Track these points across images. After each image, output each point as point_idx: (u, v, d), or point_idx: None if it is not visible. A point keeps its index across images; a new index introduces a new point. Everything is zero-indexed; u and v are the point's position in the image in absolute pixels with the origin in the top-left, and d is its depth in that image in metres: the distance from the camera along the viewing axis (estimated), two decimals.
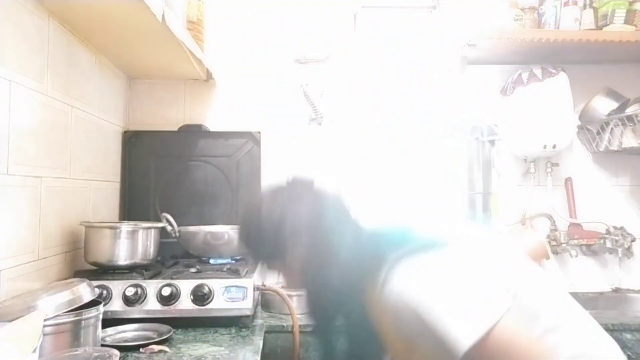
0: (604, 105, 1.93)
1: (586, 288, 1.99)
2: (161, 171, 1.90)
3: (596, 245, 1.98)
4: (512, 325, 0.69)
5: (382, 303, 0.73)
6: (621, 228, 1.97)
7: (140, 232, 1.42)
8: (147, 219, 1.70)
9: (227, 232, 1.65)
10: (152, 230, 1.46)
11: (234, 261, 1.60)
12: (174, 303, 1.30)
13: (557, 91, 1.89)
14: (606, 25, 1.80)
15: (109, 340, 1.18)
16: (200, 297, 1.30)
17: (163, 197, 1.88)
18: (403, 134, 2.03)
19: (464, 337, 0.66)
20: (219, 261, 1.58)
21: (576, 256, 1.94)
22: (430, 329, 0.67)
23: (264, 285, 1.60)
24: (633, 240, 1.95)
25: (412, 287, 0.70)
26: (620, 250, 1.93)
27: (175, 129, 1.93)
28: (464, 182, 1.78)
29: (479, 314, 0.68)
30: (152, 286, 1.31)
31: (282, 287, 1.58)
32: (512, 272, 0.78)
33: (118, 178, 1.86)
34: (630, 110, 1.85)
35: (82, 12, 1.28)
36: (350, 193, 0.96)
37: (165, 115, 1.96)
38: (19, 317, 0.91)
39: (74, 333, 0.98)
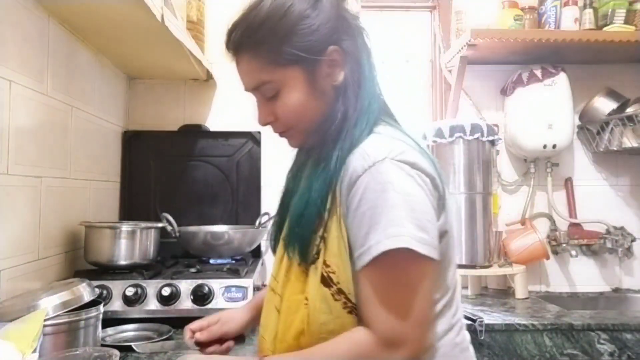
0: (604, 105, 1.93)
1: (586, 288, 1.99)
2: (161, 171, 1.90)
3: (596, 245, 1.98)
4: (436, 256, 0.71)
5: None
6: (621, 228, 1.97)
7: (140, 232, 1.42)
8: (147, 219, 1.70)
9: (227, 232, 1.65)
10: (152, 230, 1.46)
11: (234, 261, 1.60)
12: (174, 303, 1.30)
13: (557, 91, 1.89)
14: (606, 25, 1.80)
15: (109, 340, 1.18)
16: (200, 297, 1.31)
17: (163, 197, 1.88)
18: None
19: (390, 242, 0.67)
20: (219, 261, 1.58)
21: (576, 256, 1.94)
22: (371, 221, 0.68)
23: (264, 285, 1.60)
24: (633, 240, 1.95)
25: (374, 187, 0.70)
26: (620, 250, 1.94)
27: (175, 129, 1.93)
28: (463, 182, 1.78)
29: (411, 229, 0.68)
30: (152, 286, 1.31)
31: None
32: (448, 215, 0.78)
33: (118, 178, 1.86)
34: (630, 110, 1.85)
35: (82, 12, 1.28)
36: None
37: (165, 115, 1.96)
38: (19, 317, 0.92)
39: (74, 333, 0.98)
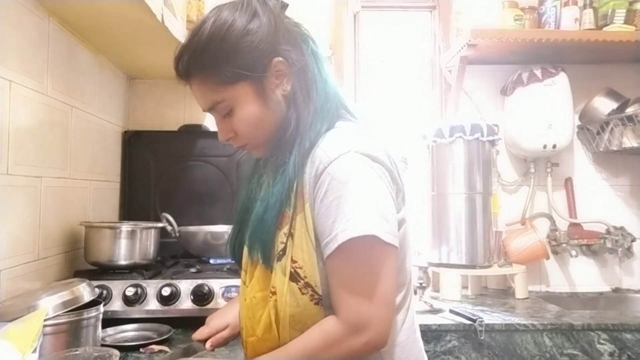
0: (604, 105, 1.93)
1: (586, 288, 2.00)
2: (161, 171, 1.89)
3: (596, 245, 1.98)
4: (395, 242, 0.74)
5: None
6: (621, 228, 1.97)
7: (140, 232, 1.42)
8: (147, 219, 1.70)
9: (227, 232, 1.64)
10: (152, 230, 1.46)
11: (233, 261, 1.60)
12: (174, 303, 1.30)
13: (557, 91, 1.89)
14: (606, 25, 1.80)
15: (109, 340, 1.18)
16: (200, 297, 1.31)
17: (163, 197, 1.88)
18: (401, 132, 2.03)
19: (356, 230, 0.70)
20: (219, 261, 1.58)
21: (576, 256, 1.94)
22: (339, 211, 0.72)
23: None
24: (633, 240, 1.95)
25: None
26: (620, 250, 1.94)
27: (175, 129, 1.93)
28: (463, 182, 1.78)
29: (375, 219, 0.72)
30: (152, 286, 1.31)
31: None
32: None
33: (118, 178, 1.85)
34: (630, 110, 1.85)
35: (82, 12, 1.28)
36: None
37: (165, 115, 1.95)
38: (19, 317, 0.91)
39: (74, 333, 0.98)
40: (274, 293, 0.77)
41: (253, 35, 0.78)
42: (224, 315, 1.00)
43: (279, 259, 0.77)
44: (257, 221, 0.80)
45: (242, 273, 0.89)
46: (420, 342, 0.89)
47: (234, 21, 0.78)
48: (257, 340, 0.81)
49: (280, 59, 0.79)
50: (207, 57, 0.79)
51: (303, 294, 0.75)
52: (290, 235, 0.76)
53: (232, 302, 1.05)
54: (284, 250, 0.77)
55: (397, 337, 0.81)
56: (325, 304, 0.76)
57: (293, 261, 0.76)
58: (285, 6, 0.86)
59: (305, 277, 0.75)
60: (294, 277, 0.75)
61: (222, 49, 0.77)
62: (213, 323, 0.98)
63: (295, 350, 0.75)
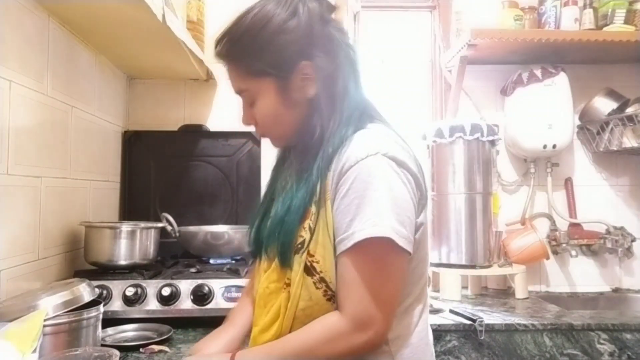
0: (604, 105, 1.92)
1: (586, 288, 1.99)
2: (161, 171, 1.90)
3: (596, 245, 1.98)
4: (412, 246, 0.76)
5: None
6: (621, 228, 1.97)
7: (140, 232, 1.42)
8: (147, 219, 1.70)
9: (227, 232, 1.65)
10: (152, 230, 1.46)
11: (234, 261, 1.60)
12: (174, 303, 1.30)
13: (557, 91, 1.89)
14: (606, 25, 1.80)
15: (109, 340, 1.18)
16: (200, 297, 1.31)
17: (163, 197, 1.88)
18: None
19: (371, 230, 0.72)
20: (219, 261, 1.58)
21: (576, 256, 1.94)
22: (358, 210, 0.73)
23: None
24: (633, 240, 1.95)
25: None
26: (620, 250, 1.93)
27: (175, 129, 1.93)
28: (464, 182, 1.78)
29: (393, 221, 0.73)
30: (152, 286, 1.31)
31: None
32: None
33: (118, 178, 1.86)
34: (630, 110, 1.85)
35: (82, 12, 1.28)
36: None
37: (165, 115, 1.96)
38: (19, 317, 0.91)
39: (74, 333, 0.98)
40: (288, 285, 0.79)
41: (287, 35, 0.79)
42: (208, 346, 0.92)
43: (297, 252, 0.78)
44: (276, 222, 0.82)
45: (259, 261, 0.90)
46: (432, 347, 0.89)
47: (273, 17, 0.79)
48: (259, 330, 0.83)
49: (309, 62, 0.81)
50: (241, 47, 0.82)
51: (317, 288, 0.76)
52: (310, 230, 0.78)
53: (216, 332, 0.97)
54: (302, 243, 0.78)
55: (410, 338, 0.82)
56: (337, 300, 0.76)
57: (310, 255, 0.77)
58: (331, 9, 0.86)
59: (321, 271, 0.76)
60: (310, 270, 0.77)
61: (255, 42, 0.80)
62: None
63: (294, 341, 0.76)
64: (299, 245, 0.78)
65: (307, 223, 0.78)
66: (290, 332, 0.78)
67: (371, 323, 0.73)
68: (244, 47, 0.81)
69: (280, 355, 0.75)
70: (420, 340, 0.83)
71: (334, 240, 0.76)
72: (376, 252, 0.74)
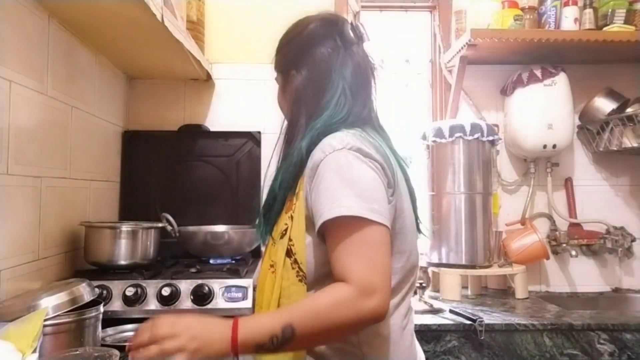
0: (604, 105, 1.93)
1: (586, 288, 2.00)
2: (161, 171, 1.90)
3: (596, 245, 1.98)
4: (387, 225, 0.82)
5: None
6: (621, 228, 1.97)
7: (140, 232, 1.42)
8: (147, 219, 1.69)
9: (227, 232, 1.65)
10: (152, 230, 1.46)
11: (234, 261, 1.60)
12: (174, 303, 1.30)
13: (557, 91, 1.89)
14: (606, 25, 1.80)
15: (109, 340, 1.18)
16: (200, 297, 1.31)
17: (163, 197, 1.88)
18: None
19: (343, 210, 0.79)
20: (219, 261, 1.58)
21: (576, 256, 1.94)
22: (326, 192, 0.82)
23: None
24: (633, 240, 1.95)
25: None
26: (620, 250, 1.94)
27: (175, 129, 1.93)
28: (463, 182, 1.78)
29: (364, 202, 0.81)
30: (152, 286, 1.31)
31: None
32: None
33: (118, 178, 1.86)
34: (630, 110, 1.85)
35: (82, 12, 1.28)
36: None
37: (165, 115, 1.96)
38: (19, 317, 0.91)
39: (74, 333, 0.98)
40: (272, 266, 0.90)
41: (292, 45, 1.03)
42: None
43: (282, 237, 0.89)
44: (264, 203, 0.97)
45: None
46: (413, 334, 0.96)
47: (302, 29, 1.02)
48: (258, 308, 0.93)
49: (294, 72, 1.00)
50: (278, 45, 1.08)
51: (292, 268, 0.87)
52: (291, 218, 0.88)
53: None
54: (285, 230, 0.89)
55: (391, 318, 0.88)
56: (308, 282, 0.85)
57: (290, 239, 0.88)
58: (362, 38, 1.14)
59: (295, 253, 0.87)
60: (289, 253, 0.88)
61: (279, 45, 1.07)
62: None
63: (302, 304, 0.80)
64: (284, 232, 0.89)
65: (290, 213, 0.89)
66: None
67: (377, 289, 0.76)
68: (277, 46, 1.09)
69: (286, 319, 0.77)
70: (399, 326, 0.90)
71: (310, 227, 0.85)
72: (351, 229, 0.80)
